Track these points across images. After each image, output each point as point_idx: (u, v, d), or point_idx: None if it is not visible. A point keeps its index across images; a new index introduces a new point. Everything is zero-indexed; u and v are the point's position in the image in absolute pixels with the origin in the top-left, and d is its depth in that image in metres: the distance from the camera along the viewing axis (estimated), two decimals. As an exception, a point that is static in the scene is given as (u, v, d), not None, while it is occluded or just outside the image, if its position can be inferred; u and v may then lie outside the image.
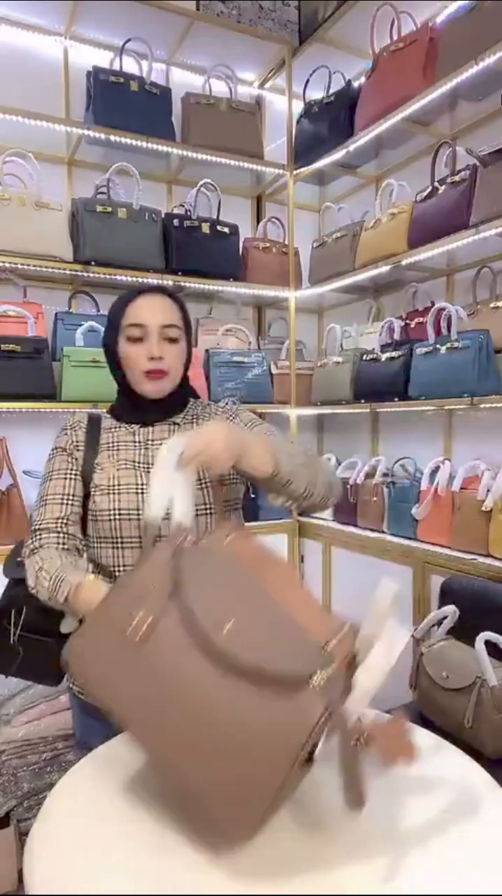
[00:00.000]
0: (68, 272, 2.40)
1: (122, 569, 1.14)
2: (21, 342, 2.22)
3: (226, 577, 0.84)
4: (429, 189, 2.21)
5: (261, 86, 3.07)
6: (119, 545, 1.13)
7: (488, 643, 1.52)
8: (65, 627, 1.15)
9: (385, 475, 2.52)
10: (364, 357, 2.56)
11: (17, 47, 2.57)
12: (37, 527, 1.15)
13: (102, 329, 2.38)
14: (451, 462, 2.27)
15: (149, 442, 1.20)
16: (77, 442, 1.21)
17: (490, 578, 1.91)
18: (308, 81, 2.81)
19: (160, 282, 2.55)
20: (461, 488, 2.13)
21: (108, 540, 1.14)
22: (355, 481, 2.60)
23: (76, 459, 1.19)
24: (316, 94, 2.78)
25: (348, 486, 2.62)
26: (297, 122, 2.85)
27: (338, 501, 2.64)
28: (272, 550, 0.88)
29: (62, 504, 1.15)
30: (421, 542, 2.26)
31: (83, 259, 2.37)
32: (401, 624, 0.74)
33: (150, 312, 1.16)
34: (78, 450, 1.20)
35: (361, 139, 2.48)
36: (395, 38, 2.35)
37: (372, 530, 2.50)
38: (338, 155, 2.62)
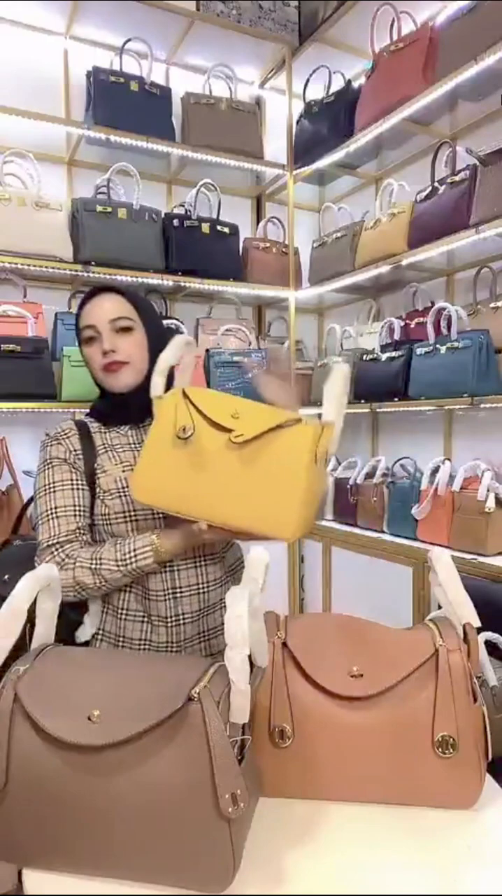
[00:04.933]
0: (68, 272, 2.40)
1: None
2: (21, 342, 2.22)
3: (82, 672, 0.84)
4: (429, 189, 2.21)
5: (261, 86, 3.07)
6: None
7: (488, 643, 1.51)
8: (82, 636, 1.18)
9: (385, 475, 2.52)
10: (364, 357, 2.56)
11: (17, 47, 2.57)
12: (54, 541, 1.12)
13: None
14: (451, 462, 2.27)
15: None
16: (74, 450, 1.19)
17: (489, 578, 1.91)
18: (308, 81, 2.80)
19: (160, 282, 2.55)
20: (461, 488, 2.13)
21: None
22: (355, 481, 2.60)
23: (78, 469, 1.17)
24: (316, 94, 2.78)
25: (348, 486, 2.62)
26: (297, 122, 2.85)
27: (339, 502, 2.66)
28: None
29: (76, 516, 1.14)
30: (421, 541, 2.26)
31: (83, 259, 2.37)
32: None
33: (97, 311, 1.19)
34: (78, 458, 1.18)
35: (361, 139, 2.48)
36: (395, 38, 2.35)
37: (372, 530, 2.50)
38: (338, 155, 2.62)
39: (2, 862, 0.77)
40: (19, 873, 0.76)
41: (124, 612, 1.17)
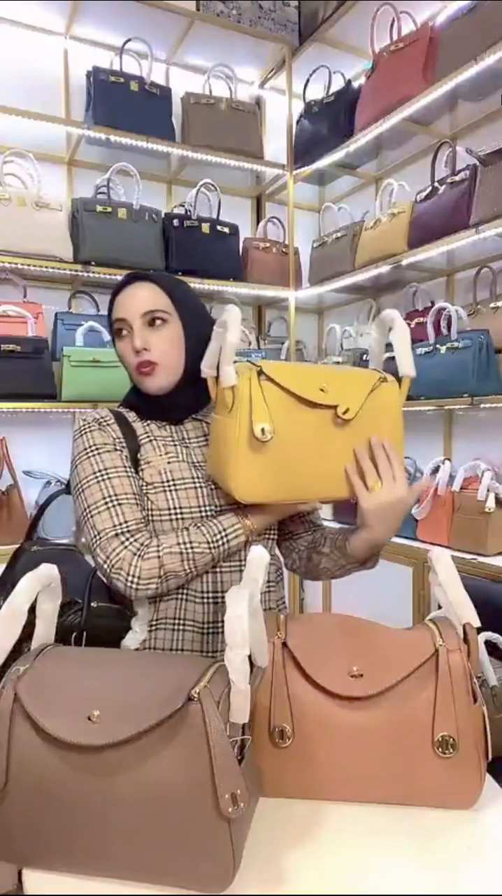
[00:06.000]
0: (68, 272, 2.40)
1: None
2: (21, 342, 2.22)
3: (86, 670, 0.83)
4: (429, 189, 2.21)
5: (261, 86, 3.07)
6: None
7: (488, 643, 1.51)
8: (131, 643, 1.10)
9: (385, 475, 2.52)
10: (364, 357, 2.56)
11: (18, 47, 2.57)
12: (123, 529, 0.99)
13: (103, 329, 2.41)
14: (451, 462, 2.27)
15: (188, 440, 1.14)
16: (117, 437, 1.08)
17: (489, 578, 1.91)
18: (308, 81, 2.80)
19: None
20: (461, 488, 2.13)
21: None
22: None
23: (127, 457, 1.06)
24: (316, 94, 2.78)
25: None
26: (297, 122, 2.85)
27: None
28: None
29: (136, 504, 1.03)
30: (421, 541, 2.26)
31: (83, 259, 2.37)
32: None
33: (129, 303, 1.08)
34: (122, 446, 1.07)
35: (361, 139, 2.48)
36: (395, 38, 2.35)
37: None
38: (338, 155, 2.62)
39: (2, 862, 0.77)
40: (19, 873, 0.76)
41: (154, 620, 1.08)
